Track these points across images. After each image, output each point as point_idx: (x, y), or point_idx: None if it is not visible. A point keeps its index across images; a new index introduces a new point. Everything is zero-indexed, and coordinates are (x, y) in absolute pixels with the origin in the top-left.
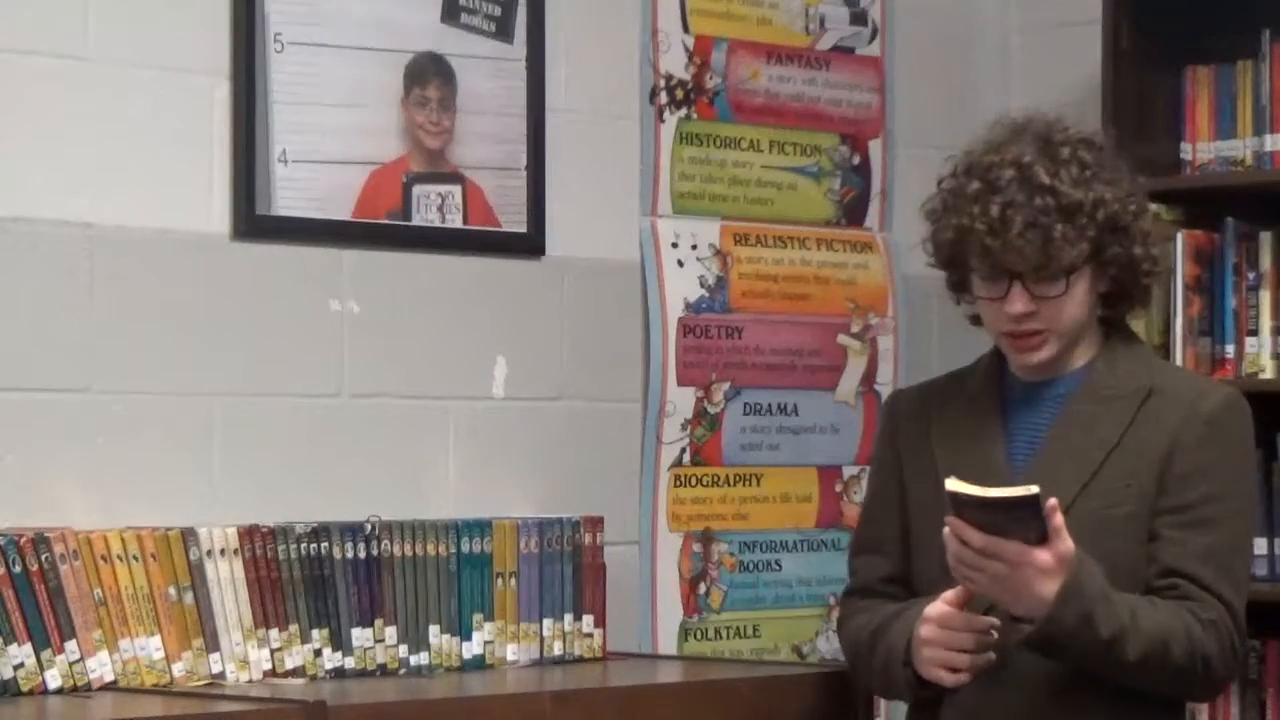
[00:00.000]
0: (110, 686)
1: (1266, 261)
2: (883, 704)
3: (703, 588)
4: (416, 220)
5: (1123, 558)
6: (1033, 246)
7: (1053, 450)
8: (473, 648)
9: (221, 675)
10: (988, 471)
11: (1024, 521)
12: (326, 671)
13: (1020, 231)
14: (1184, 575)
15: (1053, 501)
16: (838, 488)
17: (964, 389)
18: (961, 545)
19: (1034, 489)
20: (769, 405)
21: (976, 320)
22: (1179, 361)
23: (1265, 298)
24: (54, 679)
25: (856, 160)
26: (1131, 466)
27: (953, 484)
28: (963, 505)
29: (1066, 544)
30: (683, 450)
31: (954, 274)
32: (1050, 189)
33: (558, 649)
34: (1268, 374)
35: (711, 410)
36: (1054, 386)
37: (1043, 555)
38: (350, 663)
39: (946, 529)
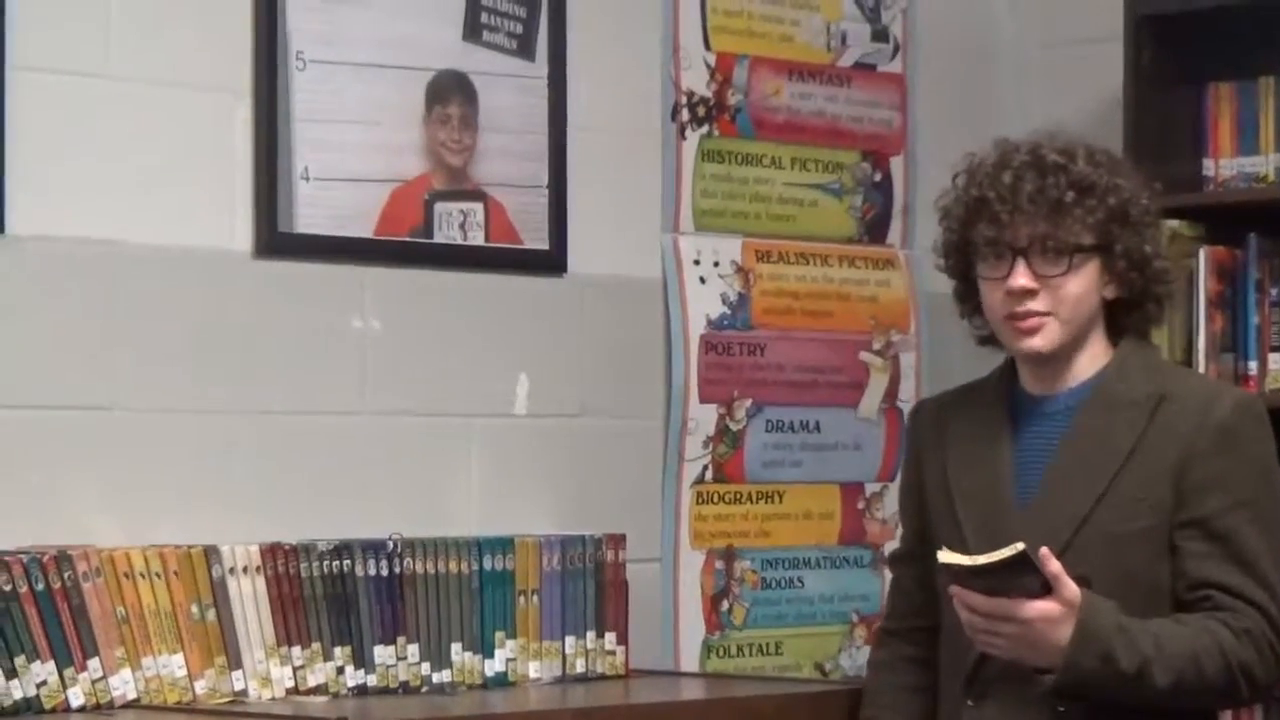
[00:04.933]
0: (133, 704)
1: None
2: None
3: (725, 605)
4: (438, 238)
5: (1140, 573)
6: (1040, 213)
7: (1064, 463)
8: (495, 665)
9: (244, 693)
10: (994, 484)
11: (1022, 577)
12: (349, 689)
13: (1030, 197)
14: (1214, 586)
15: (1044, 550)
16: (860, 505)
17: (977, 399)
18: (970, 614)
19: (1019, 546)
20: (791, 422)
21: (984, 341)
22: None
23: None
24: (77, 697)
25: (878, 177)
26: (1145, 478)
27: (945, 555)
28: (958, 575)
29: (1070, 588)
30: (705, 467)
31: (960, 267)
32: (1063, 168)
33: (580, 666)
34: None
35: (733, 427)
36: (1064, 398)
37: (1048, 606)
38: (373, 680)
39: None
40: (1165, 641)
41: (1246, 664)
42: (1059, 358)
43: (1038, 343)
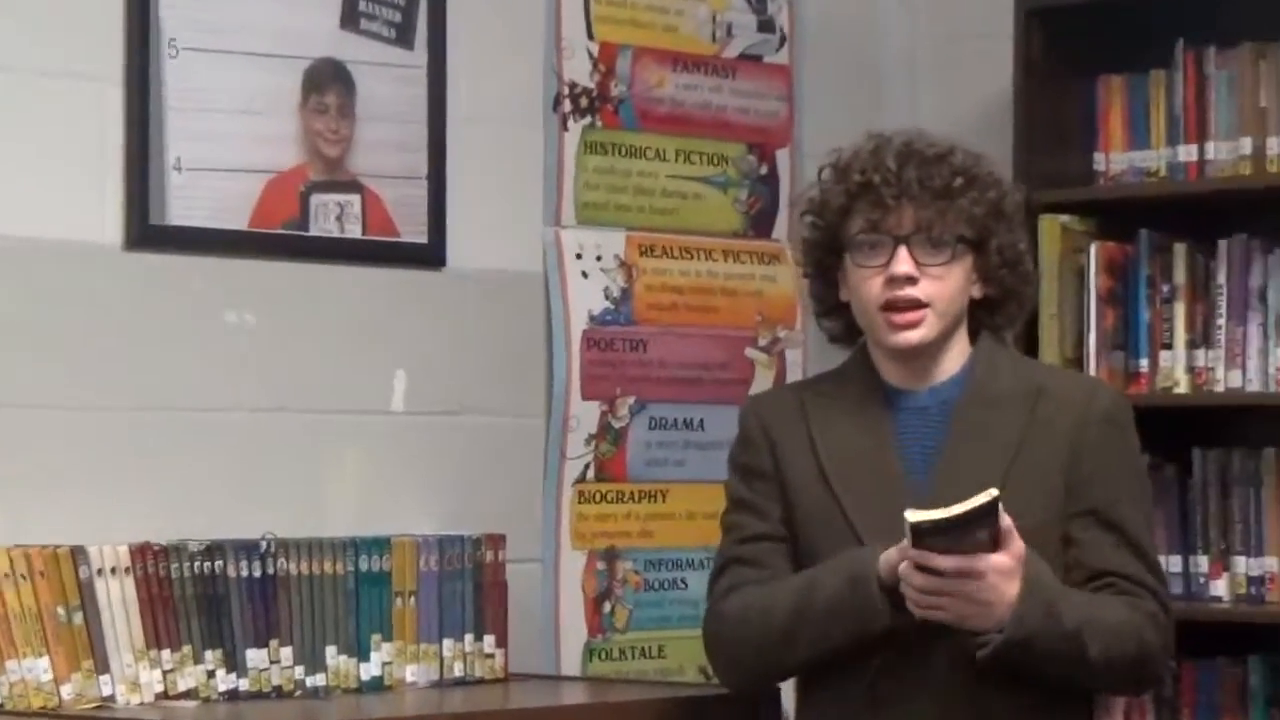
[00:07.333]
0: None
1: (1180, 274)
2: None
3: (607, 607)
4: (314, 230)
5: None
6: (927, 198)
7: (953, 461)
8: (371, 669)
9: (112, 698)
10: (885, 483)
11: (983, 531)
12: (220, 694)
13: (920, 181)
14: (1114, 574)
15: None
16: None
17: (841, 394)
18: (927, 577)
19: (993, 492)
20: (675, 420)
21: (836, 339)
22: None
23: (1179, 311)
24: None
25: (764, 170)
26: (1035, 473)
27: (913, 515)
28: (925, 534)
29: (1018, 543)
30: (587, 466)
31: (824, 262)
32: (944, 158)
33: (458, 670)
34: (1182, 388)
35: (616, 425)
36: (933, 393)
37: (1001, 559)
38: (245, 684)
39: (903, 566)
40: (1098, 610)
41: (1154, 647)
42: (927, 353)
43: (914, 336)
